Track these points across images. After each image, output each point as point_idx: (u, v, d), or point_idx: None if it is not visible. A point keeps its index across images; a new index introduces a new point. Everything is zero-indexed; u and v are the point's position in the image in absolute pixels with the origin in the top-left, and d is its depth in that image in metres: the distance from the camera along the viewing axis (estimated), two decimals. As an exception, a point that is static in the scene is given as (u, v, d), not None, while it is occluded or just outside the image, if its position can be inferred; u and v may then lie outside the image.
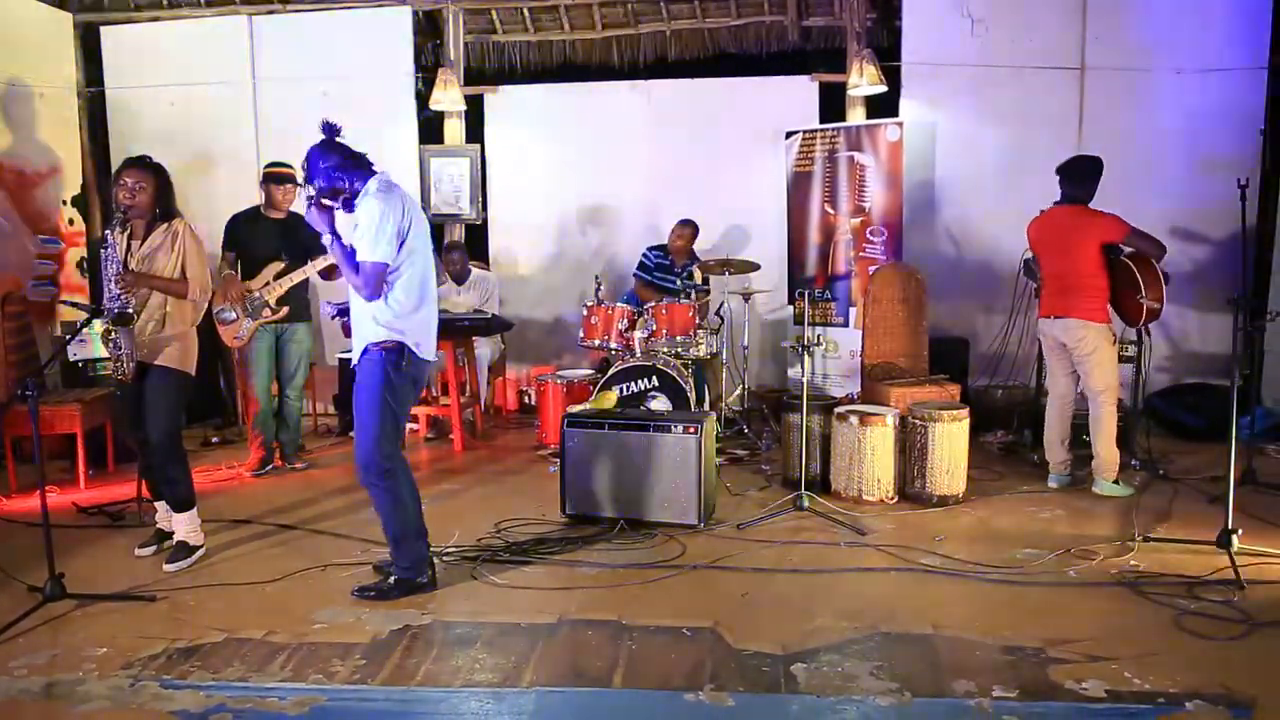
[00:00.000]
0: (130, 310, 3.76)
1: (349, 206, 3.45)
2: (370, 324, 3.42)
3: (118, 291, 3.76)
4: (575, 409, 4.75)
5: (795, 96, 6.96)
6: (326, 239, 3.48)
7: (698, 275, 6.41)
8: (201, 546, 3.98)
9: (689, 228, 6.49)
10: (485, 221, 7.29)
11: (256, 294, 5.17)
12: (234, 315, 5.16)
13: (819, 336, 6.61)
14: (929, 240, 6.80)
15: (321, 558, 3.94)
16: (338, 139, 3.46)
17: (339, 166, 3.41)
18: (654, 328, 5.63)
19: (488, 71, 7.52)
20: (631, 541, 4.10)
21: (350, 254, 3.41)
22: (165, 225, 3.89)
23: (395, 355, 3.41)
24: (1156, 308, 4.64)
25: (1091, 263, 4.70)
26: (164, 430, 3.87)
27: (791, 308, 6.94)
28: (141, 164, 3.88)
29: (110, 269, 3.79)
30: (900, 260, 6.31)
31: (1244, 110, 6.44)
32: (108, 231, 3.86)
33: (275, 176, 5.32)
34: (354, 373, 3.53)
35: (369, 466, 3.44)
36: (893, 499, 4.68)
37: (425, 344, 3.52)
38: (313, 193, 3.47)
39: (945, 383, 5.37)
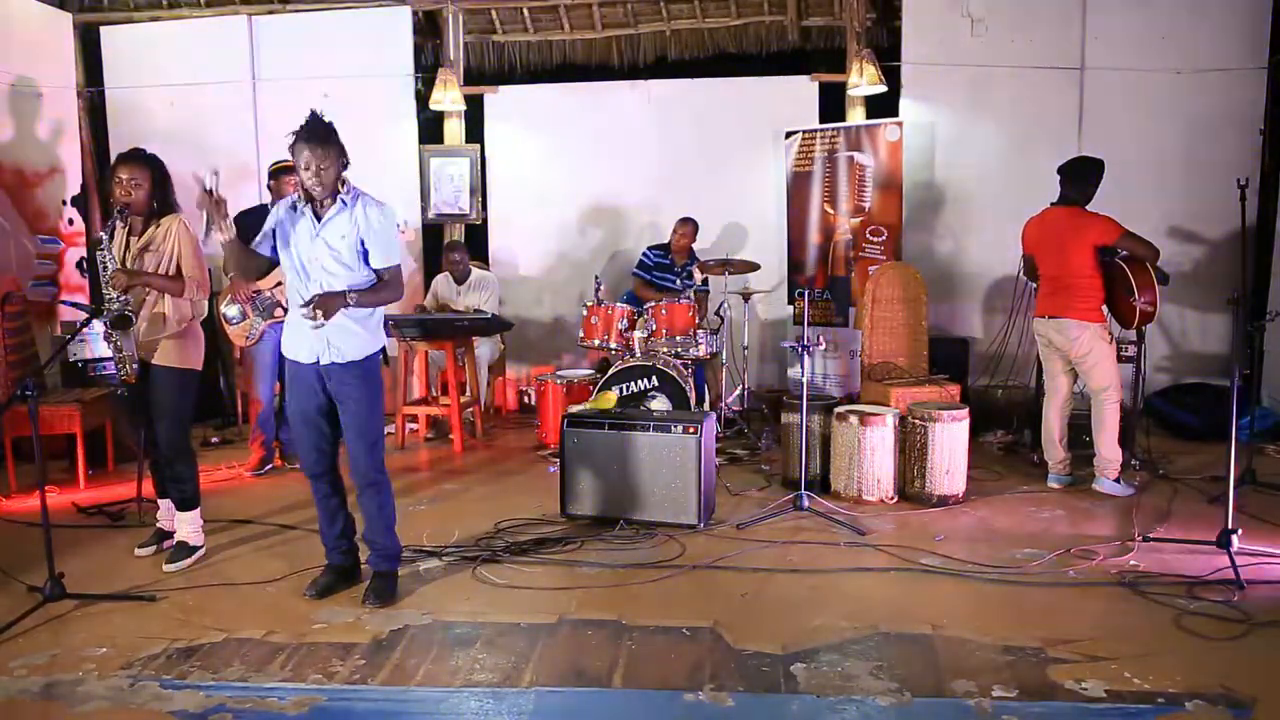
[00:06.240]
0: (129, 312, 3.75)
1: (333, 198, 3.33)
2: (359, 334, 3.41)
3: (115, 294, 3.74)
4: (575, 409, 4.74)
5: (795, 96, 6.96)
6: (352, 298, 3.31)
7: (697, 275, 6.41)
8: (201, 547, 3.98)
9: (690, 225, 6.50)
10: (485, 221, 7.29)
11: (267, 294, 5.16)
12: (240, 316, 5.15)
13: (819, 336, 6.61)
14: (929, 240, 6.80)
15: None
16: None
17: (340, 154, 3.31)
18: (654, 328, 5.63)
19: (488, 71, 7.52)
20: (631, 541, 4.10)
21: (369, 284, 3.39)
22: (161, 221, 3.83)
23: (381, 360, 3.55)
24: (1150, 310, 4.66)
25: (1086, 264, 4.71)
26: (170, 428, 3.87)
27: (791, 308, 6.94)
28: (136, 158, 3.79)
29: (106, 272, 3.77)
30: (900, 260, 6.31)
31: (1244, 110, 6.44)
32: (103, 234, 3.82)
33: (285, 169, 5.27)
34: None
35: (370, 471, 3.51)
36: (893, 499, 4.68)
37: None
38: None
39: (945, 383, 5.38)
